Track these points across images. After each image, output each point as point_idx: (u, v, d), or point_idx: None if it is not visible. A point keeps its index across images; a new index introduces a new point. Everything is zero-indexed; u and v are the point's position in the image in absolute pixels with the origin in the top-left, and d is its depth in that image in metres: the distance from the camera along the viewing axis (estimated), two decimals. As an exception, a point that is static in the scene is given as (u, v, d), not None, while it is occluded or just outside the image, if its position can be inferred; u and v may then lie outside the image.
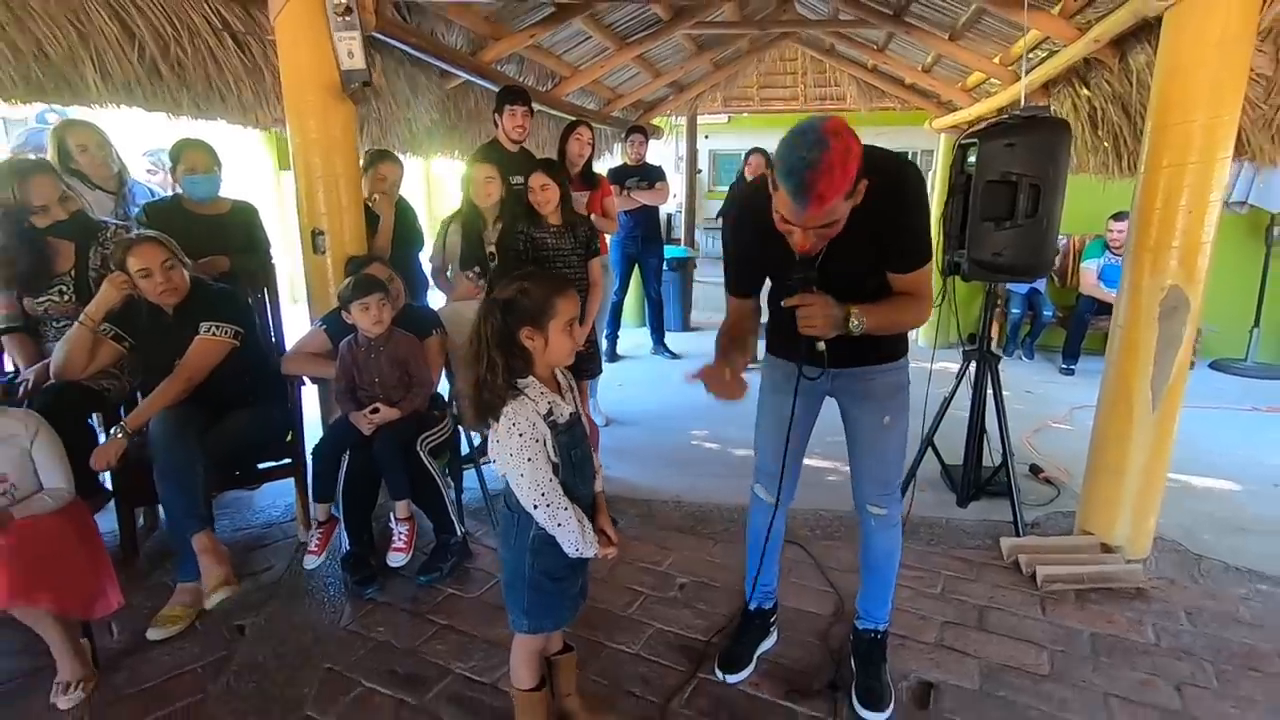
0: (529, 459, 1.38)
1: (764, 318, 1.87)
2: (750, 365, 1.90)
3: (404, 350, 2.47)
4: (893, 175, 1.48)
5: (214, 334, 2.25)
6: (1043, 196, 2.40)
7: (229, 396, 2.36)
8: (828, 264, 1.54)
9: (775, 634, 2.10)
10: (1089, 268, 5.16)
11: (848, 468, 1.87)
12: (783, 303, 1.54)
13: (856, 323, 1.50)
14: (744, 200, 1.66)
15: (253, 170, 6.82)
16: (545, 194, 2.89)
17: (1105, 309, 5.12)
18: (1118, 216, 4.98)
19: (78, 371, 2.20)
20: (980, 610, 2.27)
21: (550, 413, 1.43)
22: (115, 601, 1.97)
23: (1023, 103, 2.73)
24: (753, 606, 2.05)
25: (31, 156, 2.77)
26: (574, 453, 1.48)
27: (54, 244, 2.41)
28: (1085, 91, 3.32)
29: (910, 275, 1.58)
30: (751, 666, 1.97)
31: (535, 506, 1.41)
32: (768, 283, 1.79)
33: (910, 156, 1.65)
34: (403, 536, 2.34)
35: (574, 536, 1.43)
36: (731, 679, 1.94)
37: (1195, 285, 2.33)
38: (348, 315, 2.37)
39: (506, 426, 1.39)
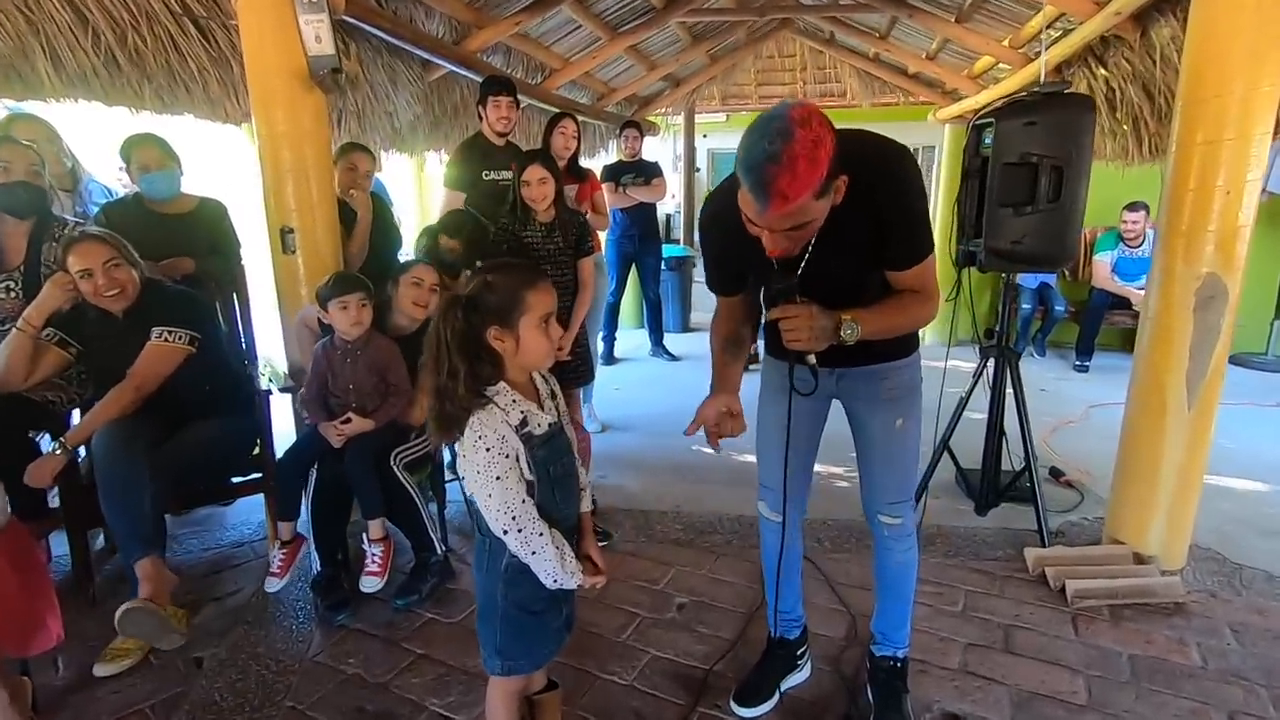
0: (497, 477, 1.20)
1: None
2: (751, 366, 1.74)
3: (383, 356, 2.30)
4: (883, 162, 1.32)
5: (166, 340, 2.07)
6: (1066, 179, 2.22)
7: (187, 407, 2.17)
8: (816, 267, 1.37)
9: (808, 669, 1.89)
10: (1102, 260, 4.98)
11: (857, 474, 1.68)
12: (765, 317, 1.37)
13: (849, 331, 1.33)
14: (719, 197, 1.46)
15: (242, 170, 6.62)
16: (543, 189, 2.64)
17: (1120, 303, 4.95)
18: (1132, 207, 4.80)
19: (18, 381, 2.02)
20: (1006, 630, 2.08)
21: (524, 423, 1.25)
22: (55, 635, 1.77)
23: (1042, 79, 2.55)
24: (775, 635, 1.86)
25: None
26: (553, 468, 1.30)
27: (6, 231, 2.22)
28: (1102, 71, 3.14)
29: (911, 271, 1.40)
30: (774, 702, 1.77)
31: (505, 531, 1.22)
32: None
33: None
34: (376, 560, 2.15)
35: (551, 566, 1.25)
36: (745, 713, 1.74)
37: (1234, 272, 2.15)
38: (324, 315, 2.21)
39: (472, 440, 1.21)
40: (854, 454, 1.67)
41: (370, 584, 2.14)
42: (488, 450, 1.20)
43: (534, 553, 1.24)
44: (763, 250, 1.29)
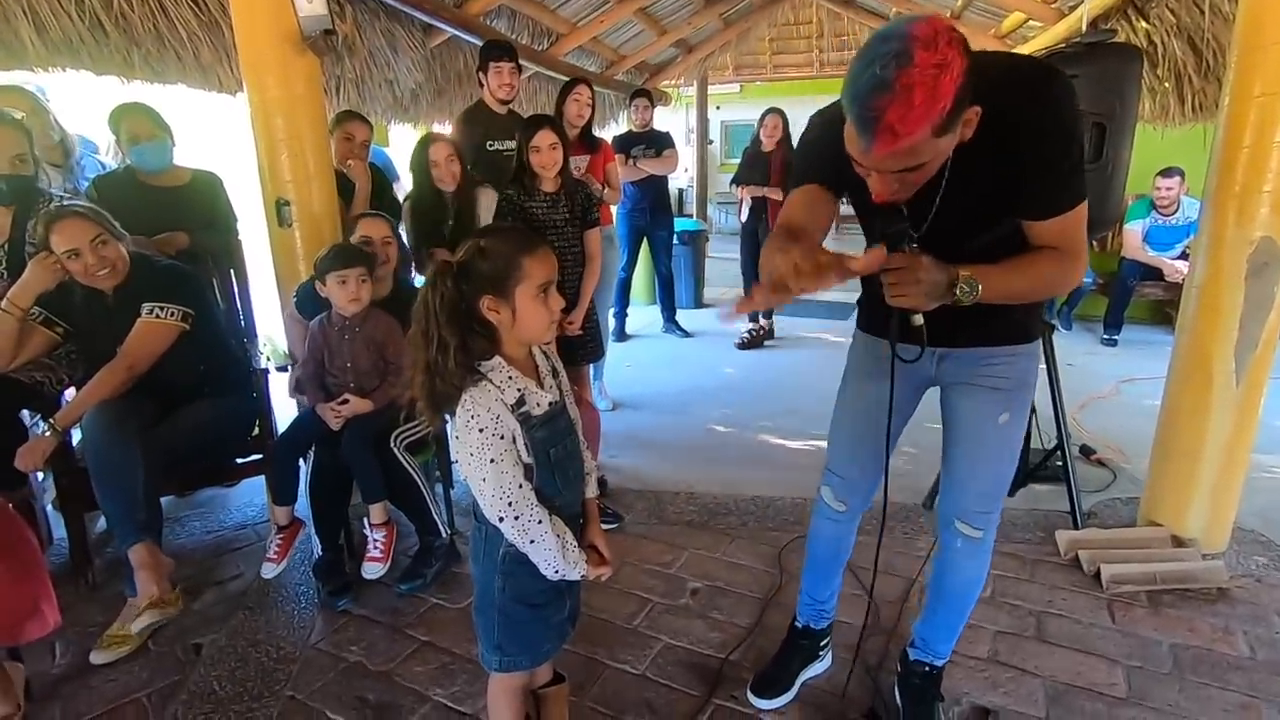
0: (492, 460, 1.10)
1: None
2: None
3: (381, 332, 2.20)
4: (1024, 88, 1.09)
5: (158, 316, 1.99)
6: (1109, 137, 2.05)
7: (181, 387, 2.10)
8: (937, 212, 1.17)
9: (829, 658, 1.79)
10: (1133, 229, 4.76)
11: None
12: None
13: (967, 289, 1.10)
14: (826, 121, 1.22)
15: (239, 142, 6.51)
16: (553, 154, 2.44)
17: (1151, 274, 4.75)
18: (1166, 172, 4.58)
19: (4, 363, 1.95)
20: (1039, 617, 1.98)
21: (521, 402, 1.14)
22: (52, 621, 1.71)
23: (1084, 27, 2.37)
24: (800, 623, 1.75)
25: None
26: (554, 451, 1.20)
27: None
28: (1143, 24, 2.94)
29: (1053, 223, 1.15)
30: (793, 693, 1.69)
31: (501, 519, 1.13)
32: None
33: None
34: (378, 545, 2.07)
35: (551, 555, 1.15)
36: (764, 705, 1.66)
37: (1292, 236, 2.00)
38: (322, 287, 2.11)
39: (464, 420, 1.11)
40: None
41: (372, 570, 2.06)
42: (481, 431, 1.10)
43: (532, 541, 1.14)
44: (866, 188, 1.10)
